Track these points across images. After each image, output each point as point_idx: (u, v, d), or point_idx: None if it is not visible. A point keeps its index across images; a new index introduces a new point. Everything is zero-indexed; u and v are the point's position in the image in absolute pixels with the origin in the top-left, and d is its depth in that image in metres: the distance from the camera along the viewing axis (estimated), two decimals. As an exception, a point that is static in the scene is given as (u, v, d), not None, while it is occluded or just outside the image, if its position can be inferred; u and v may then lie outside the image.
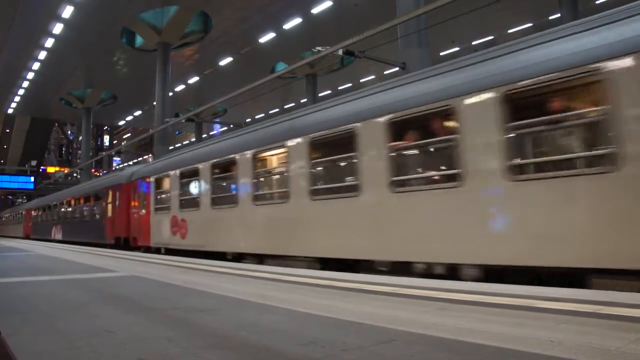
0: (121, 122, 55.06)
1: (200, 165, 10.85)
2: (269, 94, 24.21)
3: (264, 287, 5.18)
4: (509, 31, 27.18)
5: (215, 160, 10.43)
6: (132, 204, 15.07)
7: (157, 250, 12.92)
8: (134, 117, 48.09)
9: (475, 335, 2.72)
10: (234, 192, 9.78)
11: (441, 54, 28.44)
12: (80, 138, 49.43)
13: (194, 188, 11.34)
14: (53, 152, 73.45)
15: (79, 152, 57.03)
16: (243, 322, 3.39)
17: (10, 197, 62.83)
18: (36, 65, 30.80)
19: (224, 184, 10.60)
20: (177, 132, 53.72)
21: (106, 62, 31.77)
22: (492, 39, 27.97)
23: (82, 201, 20.95)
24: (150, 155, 46.51)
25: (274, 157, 9.27)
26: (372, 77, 35.11)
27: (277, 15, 25.80)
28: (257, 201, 8.99)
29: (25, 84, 34.48)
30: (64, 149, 76.11)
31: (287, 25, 26.96)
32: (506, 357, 2.33)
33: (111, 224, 16.57)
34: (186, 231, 11.30)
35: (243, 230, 9.39)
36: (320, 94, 34.27)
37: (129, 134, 74.15)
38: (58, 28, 25.09)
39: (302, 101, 35.99)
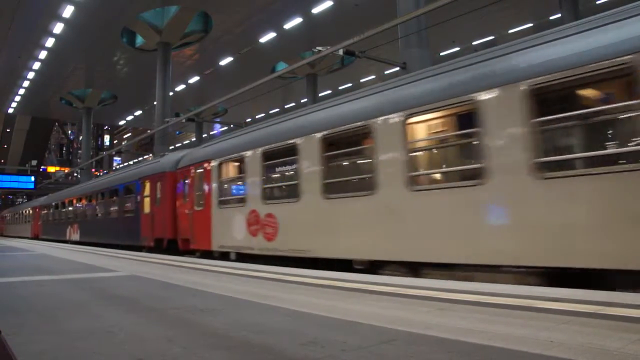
0: (121, 122, 55.05)
1: (299, 141, 7.98)
2: (269, 94, 24.19)
3: (265, 287, 5.18)
4: (510, 31, 27.18)
5: (328, 132, 7.48)
6: (181, 197, 12.11)
7: (224, 256, 10.04)
8: (135, 117, 48.10)
9: (475, 335, 2.72)
10: (369, 175, 6.79)
11: (441, 54, 28.44)
12: (81, 138, 49.44)
13: (288, 172, 8.61)
14: (53, 151, 73.43)
15: (80, 151, 57.05)
16: (244, 322, 3.39)
17: (11, 197, 62.89)
18: (37, 65, 30.81)
19: (346, 163, 7.84)
20: (177, 132, 53.77)
21: (106, 62, 31.77)
22: (492, 39, 27.96)
23: (107, 196, 17.75)
24: (150, 155, 46.48)
25: (445, 121, 6.40)
26: (373, 77, 35.13)
27: (278, 15, 25.79)
28: (416, 186, 6.21)
29: (26, 83, 34.50)
30: (64, 149, 76.09)
31: (288, 25, 26.95)
32: (507, 357, 2.33)
33: (149, 222, 13.57)
34: (275, 230, 8.44)
35: (386, 228, 6.56)
36: (320, 94, 34.29)
37: (129, 134, 74.17)
38: (58, 28, 25.09)
39: (302, 101, 35.99)
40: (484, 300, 3.79)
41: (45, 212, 28.53)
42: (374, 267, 6.79)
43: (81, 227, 20.83)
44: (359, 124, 7.05)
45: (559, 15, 22.95)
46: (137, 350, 2.68)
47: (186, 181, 11.86)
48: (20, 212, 37.67)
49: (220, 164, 10.33)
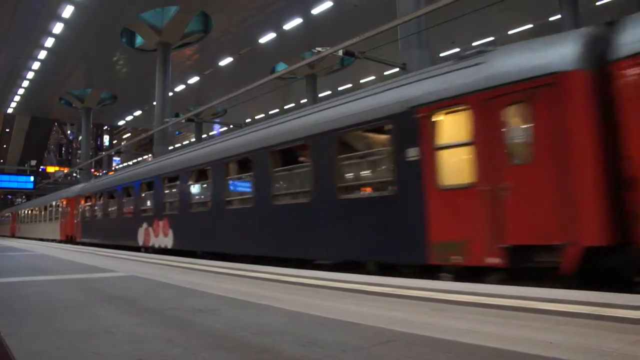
0: (121, 122, 55.03)
1: None
2: (269, 94, 24.20)
3: (263, 288, 5.18)
4: (510, 32, 27.20)
5: None
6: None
7: None
8: (134, 117, 48.06)
9: (473, 336, 2.73)
10: None
11: (441, 55, 28.44)
12: (80, 138, 49.41)
13: None
14: (53, 151, 73.47)
15: (79, 152, 57.05)
16: (242, 323, 3.40)
17: (10, 197, 62.87)
18: (36, 65, 30.77)
19: None
20: (177, 132, 53.76)
21: (106, 62, 31.75)
22: (492, 40, 27.97)
23: (257, 164, 9.14)
24: (149, 155, 46.42)
25: None
26: (372, 77, 35.15)
27: (277, 16, 25.81)
28: None
29: (25, 83, 34.46)
30: (63, 149, 76.10)
31: (287, 26, 26.96)
32: (504, 358, 2.33)
33: (480, 208, 5.34)
34: None
35: None
36: (320, 95, 34.32)
37: (129, 134, 74.17)
38: (58, 28, 25.08)
39: (302, 102, 36.00)
40: (482, 301, 3.80)
41: (90, 203, 19.32)
42: None
43: (181, 226, 12.07)
44: None
45: (559, 16, 22.96)
46: (136, 350, 2.69)
47: None
48: (42, 207, 27.92)
49: None
